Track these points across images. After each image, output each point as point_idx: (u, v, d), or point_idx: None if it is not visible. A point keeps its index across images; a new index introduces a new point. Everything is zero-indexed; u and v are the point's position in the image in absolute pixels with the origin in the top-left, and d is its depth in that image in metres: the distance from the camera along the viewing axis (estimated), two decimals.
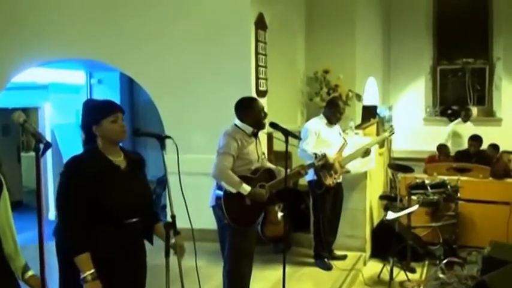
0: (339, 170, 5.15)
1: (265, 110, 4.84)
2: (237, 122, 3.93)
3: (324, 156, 4.41)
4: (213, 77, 5.94)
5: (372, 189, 6.05)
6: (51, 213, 7.42)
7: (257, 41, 5.98)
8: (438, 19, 10.61)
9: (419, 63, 10.53)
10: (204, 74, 5.98)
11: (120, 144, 2.61)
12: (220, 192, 3.80)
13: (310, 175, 5.00)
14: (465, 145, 7.82)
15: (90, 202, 2.40)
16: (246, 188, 3.76)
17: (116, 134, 2.53)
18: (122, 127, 2.54)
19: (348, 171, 5.34)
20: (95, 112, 2.57)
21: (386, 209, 5.88)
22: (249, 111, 3.89)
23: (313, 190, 5.21)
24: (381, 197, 6.47)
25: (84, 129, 2.58)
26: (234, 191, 3.75)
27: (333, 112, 5.22)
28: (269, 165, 4.13)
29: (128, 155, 2.62)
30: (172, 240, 2.54)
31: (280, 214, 3.97)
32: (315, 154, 4.45)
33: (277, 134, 4.01)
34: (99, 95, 8.22)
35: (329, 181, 5.05)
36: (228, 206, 3.76)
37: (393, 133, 5.82)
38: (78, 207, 2.39)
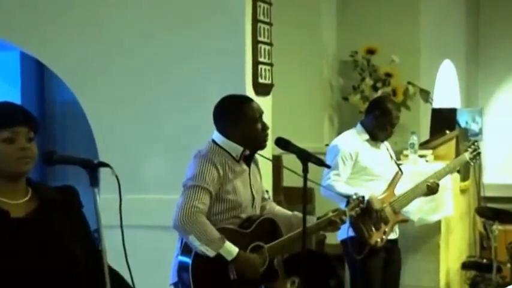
0: (392, 218, 5.17)
1: (268, 116, 4.86)
2: (217, 137, 3.97)
3: (362, 199, 4.41)
4: (181, 65, 5.93)
5: (450, 251, 6.06)
6: None
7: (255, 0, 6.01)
8: None
9: None
10: (166, 60, 5.97)
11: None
12: (187, 260, 3.79)
13: (344, 231, 4.99)
14: None
15: None
16: (231, 250, 3.75)
17: (10, 163, 2.55)
18: (21, 151, 2.55)
19: (406, 220, 5.37)
20: None
21: (474, 284, 5.85)
22: (235, 119, 3.94)
23: (351, 255, 5.22)
24: (466, 266, 6.49)
25: None
26: (210, 253, 3.72)
27: (380, 123, 5.26)
28: (277, 209, 4.18)
29: (41, 193, 2.65)
30: None
31: None
32: (348, 197, 4.44)
33: (289, 159, 4.01)
34: None
35: (376, 238, 5.08)
36: (199, 279, 3.76)
37: (478, 153, 5.87)
38: None
